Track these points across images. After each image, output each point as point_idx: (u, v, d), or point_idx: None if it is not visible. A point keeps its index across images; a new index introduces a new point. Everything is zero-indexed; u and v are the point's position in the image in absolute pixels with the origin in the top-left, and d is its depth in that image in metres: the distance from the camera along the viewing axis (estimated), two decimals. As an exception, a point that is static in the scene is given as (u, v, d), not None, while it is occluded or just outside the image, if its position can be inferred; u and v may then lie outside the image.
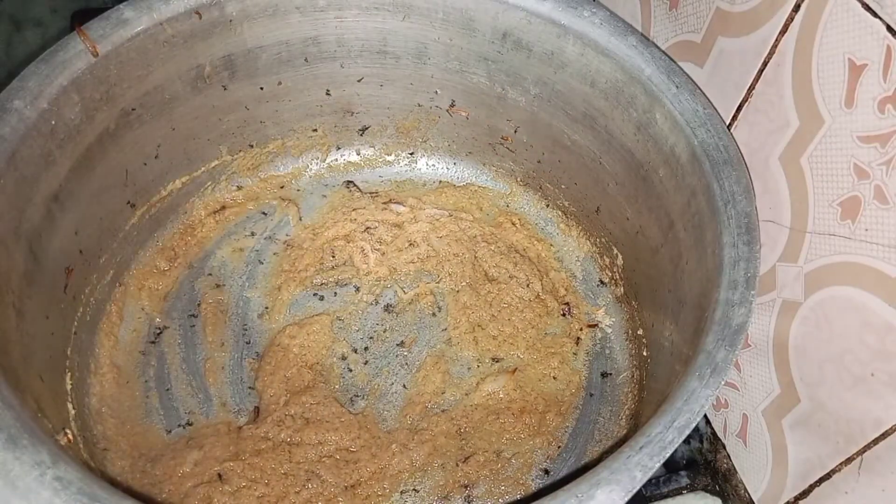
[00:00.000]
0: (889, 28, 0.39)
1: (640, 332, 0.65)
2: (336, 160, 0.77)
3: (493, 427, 0.62)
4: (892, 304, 0.43)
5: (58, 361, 0.57)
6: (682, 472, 0.64)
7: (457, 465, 0.60)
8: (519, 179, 0.76)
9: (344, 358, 0.66)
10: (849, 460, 0.49)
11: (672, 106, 0.54)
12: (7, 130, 0.49)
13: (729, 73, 0.53)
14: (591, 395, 0.65)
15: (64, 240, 0.56)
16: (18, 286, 0.50)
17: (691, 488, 0.64)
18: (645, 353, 0.63)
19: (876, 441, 0.46)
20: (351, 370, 0.65)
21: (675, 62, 0.57)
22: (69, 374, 0.57)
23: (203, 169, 0.70)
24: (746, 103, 0.53)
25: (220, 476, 0.56)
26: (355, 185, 0.76)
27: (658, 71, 0.56)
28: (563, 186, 0.72)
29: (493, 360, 0.66)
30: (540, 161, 0.71)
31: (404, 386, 0.64)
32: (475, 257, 0.71)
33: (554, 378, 0.65)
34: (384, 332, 0.68)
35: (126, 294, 0.66)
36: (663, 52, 0.58)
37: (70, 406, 0.56)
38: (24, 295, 0.51)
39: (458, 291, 0.69)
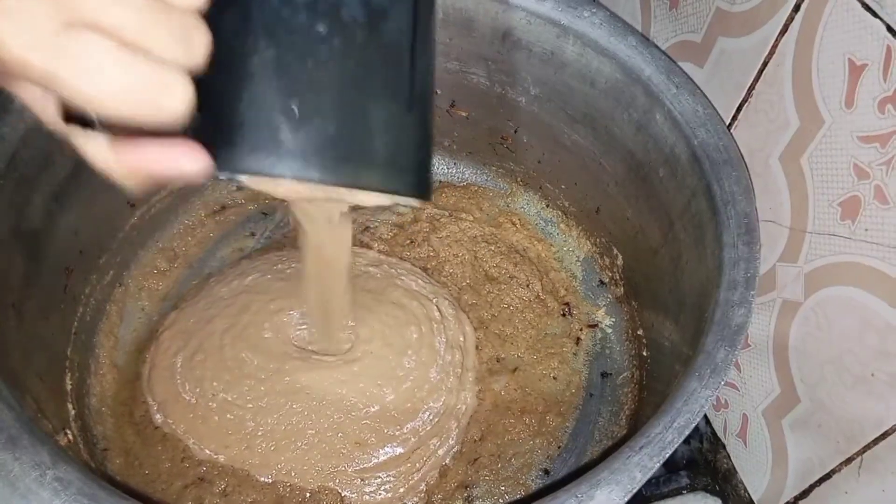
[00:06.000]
0: (889, 28, 0.39)
1: (640, 332, 0.65)
2: (336, 160, 0.77)
3: (494, 427, 0.62)
4: (892, 304, 0.43)
5: (58, 361, 0.57)
6: (682, 472, 0.64)
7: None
8: (519, 179, 0.75)
9: (344, 358, 0.66)
10: (849, 460, 0.49)
11: (672, 106, 0.54)
12: (7, 130, 0.49)
13: (729, 73, 0.53)
14: (591, 395, 0.65)
15: (64, 240, 0.56)
16: (18, 286, 0.50)
17: (691, 488, 0.64)
18: (645, 353, 0.63)
19: (876, 441, 0.46)
20: (351, 370, 0.65)
21: (675, 62, 0.57)
22: (69, 374, 0.57)
23: (203, 169, 0.70)
24: (746, 103, 0.53)
25: (201, 479, 0.55)
26: (355, 185, 0.76)
27: (658, 71, 0.56)
28: (563, 186, 0.71)
29: (493, 360, 0.66)
30: (540, 161, 0.71)
31: (404, 386, 0.64)
32: (475, 258, 0.71)
33: (554, 378, 0.65)
34: (384, 332, 0.67)
35: (126, 294, 0.66)
36: (663, 52, 0.58)
37: (70, 406, 0.56)
38: (24, 295, 0.51)
39: (458, 292, 0.69)
